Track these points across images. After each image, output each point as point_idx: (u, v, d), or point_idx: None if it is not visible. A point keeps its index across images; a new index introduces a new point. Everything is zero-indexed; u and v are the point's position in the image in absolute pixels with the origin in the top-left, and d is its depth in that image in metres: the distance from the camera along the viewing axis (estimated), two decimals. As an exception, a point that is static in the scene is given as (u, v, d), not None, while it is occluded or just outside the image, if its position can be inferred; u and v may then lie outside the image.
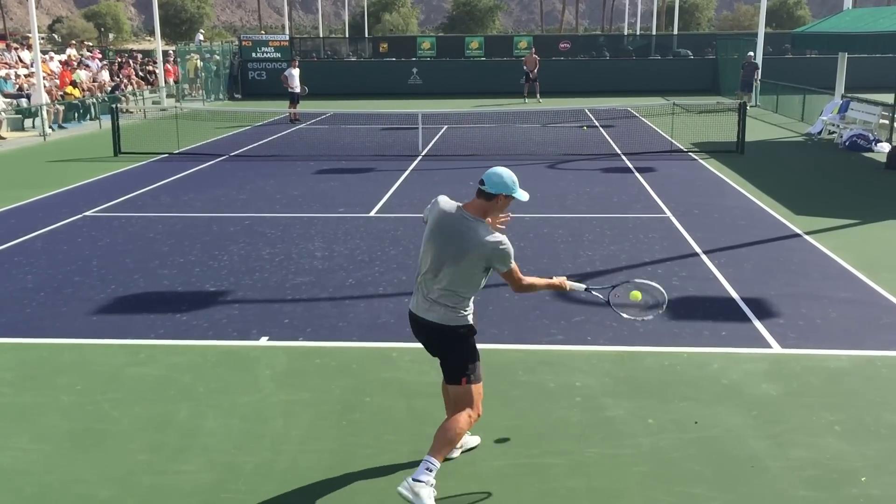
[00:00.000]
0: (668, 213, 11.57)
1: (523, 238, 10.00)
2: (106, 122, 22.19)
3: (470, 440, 4.94)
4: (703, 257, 9.31)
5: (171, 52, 36.96)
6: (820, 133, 20.08)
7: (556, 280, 4.73)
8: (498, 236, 4.37)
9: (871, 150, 17.16)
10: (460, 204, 4.48)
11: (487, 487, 4.64)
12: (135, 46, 63.20)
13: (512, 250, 4.39)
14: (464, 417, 4.46)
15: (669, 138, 18.93)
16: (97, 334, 7.11)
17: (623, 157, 16.89)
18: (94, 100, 26.22)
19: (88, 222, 11.50)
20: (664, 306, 4.96)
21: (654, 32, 53.90)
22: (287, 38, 38.36)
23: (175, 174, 15.43)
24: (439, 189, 13.28)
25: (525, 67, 31.57)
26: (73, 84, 26.06)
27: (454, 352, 4.51)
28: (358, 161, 16.82)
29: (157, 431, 5.32)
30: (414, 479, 4.27)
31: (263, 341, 6.91)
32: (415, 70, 36.66)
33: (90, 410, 5.64)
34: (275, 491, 4.60)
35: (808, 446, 5.04)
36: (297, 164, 16.44)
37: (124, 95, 28.15)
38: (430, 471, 4.32)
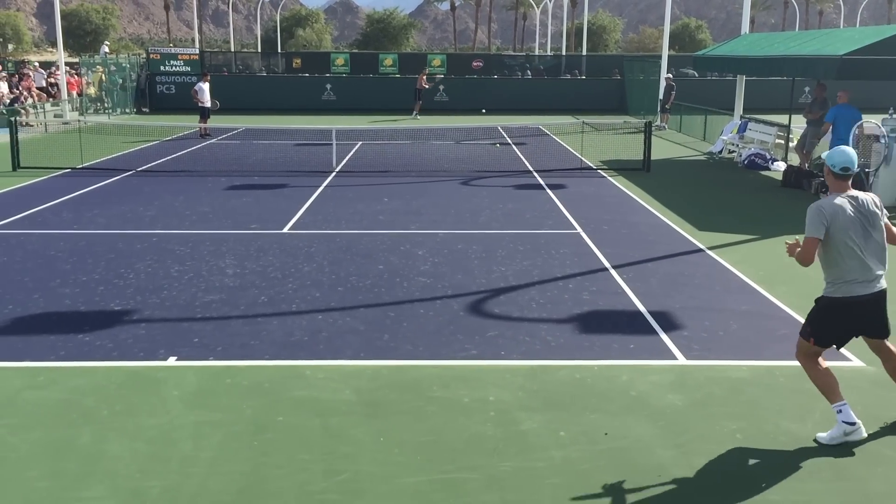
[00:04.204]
0: (579, 229, 11.83)
1: (437, 254, 10.05)
2: (4, 135, 21.26)
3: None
4: (612, 272, 9.55)
5: (64, 63, 35.50)
6: (721, 152, 20.89)
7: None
8: (819, 202, 5.26)
9: (769, 169, 17.96)
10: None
11: (402, 504, 4.63)
12: (36, 58, 60.78)
13: (813, 216, 5.19)
14: None
15: (579, 156, 19.38)
16: (-7, 357, 6.78)
17: (535, 175, 17.20)
18: (-9, 112, 25.09)
19: (-16, 240, 10.98)
20: None
21: (563, 53, 55.19)
22: (197, 51, 37.63)
23: (78, 189, 14.90)
24: (353, 205, 13.26)
25: (421, 86, 31.60)
26: (-32, 95, 24.91)
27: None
28: (270, 177, 16.60)
29: (58, 457, 5.11)
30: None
31: (171, 361, 6.72)
32: (328, 86, 36.50)
33: (-16, 437, 5.38)
34: (183, 515, 4.48)
35: (711, 454, 5.22)
36: (208, 180, 16.11)
37: (24, 108, 27.05)
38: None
